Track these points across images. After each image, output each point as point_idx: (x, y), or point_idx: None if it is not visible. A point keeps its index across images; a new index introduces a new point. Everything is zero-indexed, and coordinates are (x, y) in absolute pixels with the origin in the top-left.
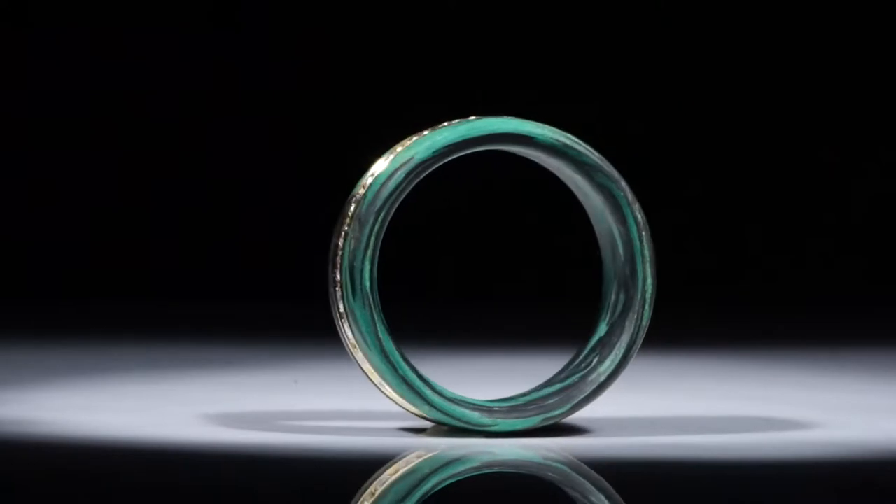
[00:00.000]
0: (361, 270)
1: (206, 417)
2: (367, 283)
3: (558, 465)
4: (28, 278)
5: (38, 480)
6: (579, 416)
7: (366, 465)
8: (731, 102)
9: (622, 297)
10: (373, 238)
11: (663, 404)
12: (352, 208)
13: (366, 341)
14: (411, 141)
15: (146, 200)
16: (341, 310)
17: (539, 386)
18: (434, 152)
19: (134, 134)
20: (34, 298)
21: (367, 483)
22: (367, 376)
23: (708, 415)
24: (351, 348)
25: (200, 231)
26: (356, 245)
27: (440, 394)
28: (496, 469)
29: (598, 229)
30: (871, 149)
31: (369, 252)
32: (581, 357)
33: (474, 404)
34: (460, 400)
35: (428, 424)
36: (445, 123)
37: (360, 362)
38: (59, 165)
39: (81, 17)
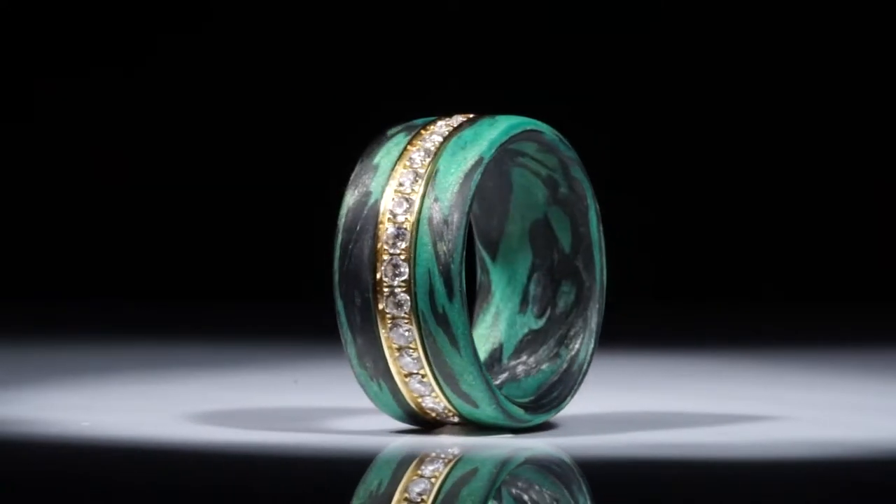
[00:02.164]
0: (459, 273)
1: (206, 417)
2: (464, 286)
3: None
4: (28, 279)
5: (38, 480)
6: (571, 413)
7: (369, 466)
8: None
9: (568, 287)
10: (465, 240)
11: (657, 403)
12: (411, 214)
13: (456, 344)
14: (433, 141)
15: (146, 201)
16: (397, 313)
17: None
18: (494, 151)
19: (135, 135)
20: (34, 298)
21: (378, 486)
22: (394, 378)
23: (699, 413)
24: (388, 351)
25: (200, 231)
26: (451, 247)
27: (500, 393)
28: (551, 465)
29: (520, 225)
30: (863, 144)
31: (463, 254)
32: (512, 351)
33: (517, 402)
34: (509, 398)
35: (399, 426)
36: (453, 120)
37: (399, 366)
38: (59, 166)
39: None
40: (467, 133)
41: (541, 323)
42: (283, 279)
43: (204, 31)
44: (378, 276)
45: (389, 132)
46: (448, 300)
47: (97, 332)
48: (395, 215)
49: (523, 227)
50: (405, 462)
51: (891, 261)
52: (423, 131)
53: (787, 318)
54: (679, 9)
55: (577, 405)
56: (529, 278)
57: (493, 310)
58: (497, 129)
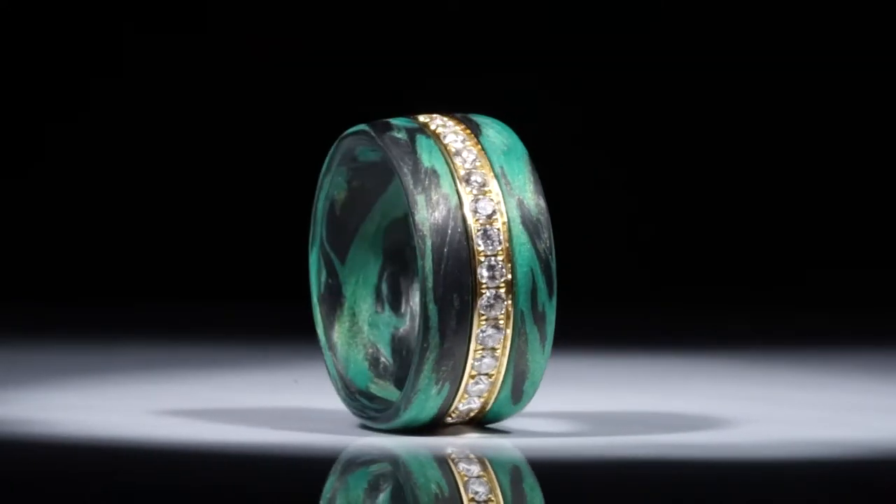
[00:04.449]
0: (555, 270)
1: (207, 417)
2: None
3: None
4: (27, 279)
5: (38, 480)
6: (567, 413)
7: (397, 467)
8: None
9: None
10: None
11: (655, 404)
12: (505, 215)
13: (544, 342)
14: (473, 144)
15: (145, 200)
16: (491, 314)
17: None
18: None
19: (131, 133)
20: (34, 299)
21: (440, 489)
22: (466, 380)
23: (698, 414)
24: (472, 353)
25: (197, 231)
26: (549, 245)
27: None
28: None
29: (377, 223)
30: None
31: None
32: (392, 352)
33: None
34: None
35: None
36: (445, 118)
37: (472, 368)
38: (57, 167)
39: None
40: (490, 132)
41: (405, 321)
42: (282, 279)
43: (191, 32)
44: (476, 277)
45: (397, 134)
46: (548, 298)
47: (97, 332)
48: (479, 217)
49: (380, 225)
50: (442, 463)
51: (889, 261)
52: (431, 133)
53: (785, 318)
54: (676, 7)
55: (575, 404)
56: (381, 277)
57: (347, 312)
58: (504, 126)
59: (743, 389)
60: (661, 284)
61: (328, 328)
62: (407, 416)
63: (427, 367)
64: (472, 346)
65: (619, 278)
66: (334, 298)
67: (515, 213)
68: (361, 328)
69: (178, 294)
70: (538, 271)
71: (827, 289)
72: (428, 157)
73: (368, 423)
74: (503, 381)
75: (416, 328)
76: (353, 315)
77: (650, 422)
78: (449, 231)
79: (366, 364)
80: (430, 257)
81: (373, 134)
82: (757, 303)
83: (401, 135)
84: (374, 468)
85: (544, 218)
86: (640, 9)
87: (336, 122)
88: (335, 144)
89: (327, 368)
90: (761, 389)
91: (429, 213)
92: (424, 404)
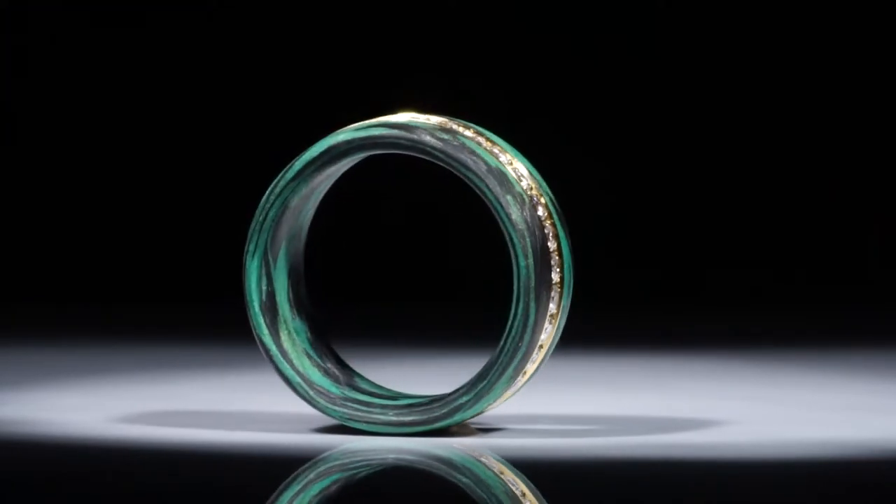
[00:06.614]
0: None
1: (205, 417)
2: None
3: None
4: (26, 280)
5: (37, 480)
6: (568, 414)
7: (389, 467)
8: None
9: (302, 289)
10: None
11: (652, 405)
12: (548, 214)
13: (558, 339)
14: (491, 143)
15: (141, 201)
16: (553, 311)
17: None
18: None
19: (131, 135)
20: (33, 300)
21: (515, 487)
22: (511, 383)
23: (695, 414)
24: (535, 351)
25: (195, 232)
26: (570, 240)
27: None
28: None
29: (291, 230)
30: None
31: None
32: (320, 358)
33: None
34: None
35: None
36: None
37: (530, 366)
38: (54, 167)
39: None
40: (486, 131)
41: (307, 325)
42: None
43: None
44: (551, 275)
45: (441, 135)
46: (571, 293)
47: (94, 333)
48: (540, 216)
49: (291, 232)
50: (479, 462)
51: (890, 260)
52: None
53: (782, 318)
54: (667, 9)
55: (574, 405)
56: (288, 283)
57: (282, 319)
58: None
59: (743, 389)
60: (660, 284)
61: (274, 337)
62: (460, 416)
63: (513, 366)
64: (538, 344)
65: (618, 278)
66: (272, 306)
67: (553, 210)
68: (295, 336)
69: (176, 294)
70: (571, 266)
71: (827, 288)
72: (487, 160)
73: (376, 428)
74: (528, 378)
75: (514, 327)
76: (285, 322)
77: (650, 422)
78: (536, 230)
79: (318, 371)
80: (532, 256)
81: (414, 137)
82: (757, 302)
83: (445, 136)
84: (443, 473)
85: (562, 215)
86: (630, 9)
87: (306, 122)
88: (325, 150)
89: (287, 379)
90: (761, 389)
91: (520, 213)
92: (485, 405)
